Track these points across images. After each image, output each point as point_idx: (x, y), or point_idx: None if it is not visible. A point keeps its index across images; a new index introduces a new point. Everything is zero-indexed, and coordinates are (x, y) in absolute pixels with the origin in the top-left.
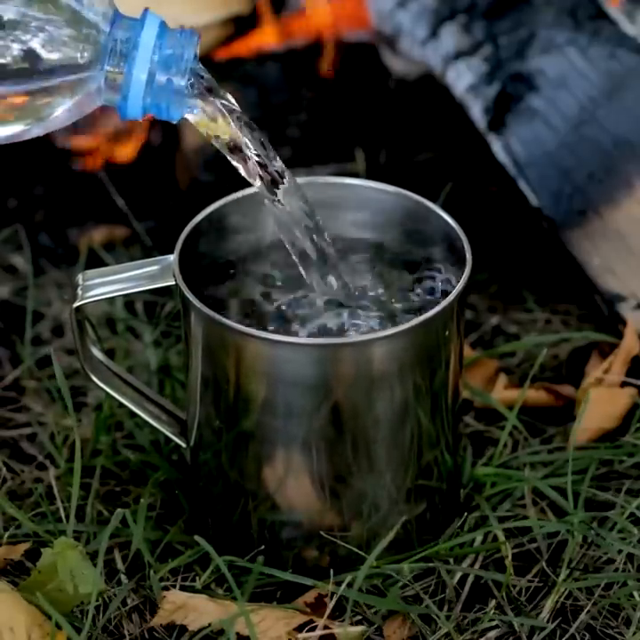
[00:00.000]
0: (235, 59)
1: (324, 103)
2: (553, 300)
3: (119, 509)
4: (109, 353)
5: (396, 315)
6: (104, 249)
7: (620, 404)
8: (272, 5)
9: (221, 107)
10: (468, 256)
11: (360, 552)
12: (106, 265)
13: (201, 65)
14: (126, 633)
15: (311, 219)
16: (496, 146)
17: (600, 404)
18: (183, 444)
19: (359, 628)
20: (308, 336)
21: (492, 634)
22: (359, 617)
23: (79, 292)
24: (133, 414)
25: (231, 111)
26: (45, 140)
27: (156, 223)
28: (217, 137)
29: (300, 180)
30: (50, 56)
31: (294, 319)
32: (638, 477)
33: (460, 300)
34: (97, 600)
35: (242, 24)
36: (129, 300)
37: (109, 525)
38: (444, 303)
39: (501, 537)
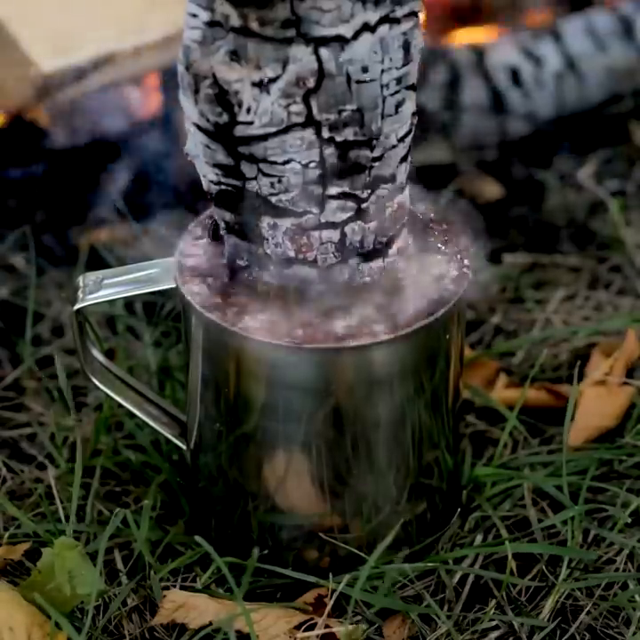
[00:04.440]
0: None
1: None
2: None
3: (119, 510)
4: (109, 353)
5: None
6: (104, 249)
7: (617, 403)
8: None
9: None
10: (469, 258)
11: (360, 553)
12: (106, 265)
13: None
14: (126, 633)
15: None
16: None
17: (598, 403)
18: (183, 446)
19: (359, 627)
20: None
21: (492, 634)
22: (359, 617)
23: (80, 294)
24: (134, 415)
25: None
26: (44, 140)
27: (156, 224)
28: None
29: None
30: None
31: None
32: (638, 477)
33: (461, 302)
34: (97, 600)
35: None
36: (128, 301)
37: (110, 526)
38: (446, 307)
39: (505, 534)
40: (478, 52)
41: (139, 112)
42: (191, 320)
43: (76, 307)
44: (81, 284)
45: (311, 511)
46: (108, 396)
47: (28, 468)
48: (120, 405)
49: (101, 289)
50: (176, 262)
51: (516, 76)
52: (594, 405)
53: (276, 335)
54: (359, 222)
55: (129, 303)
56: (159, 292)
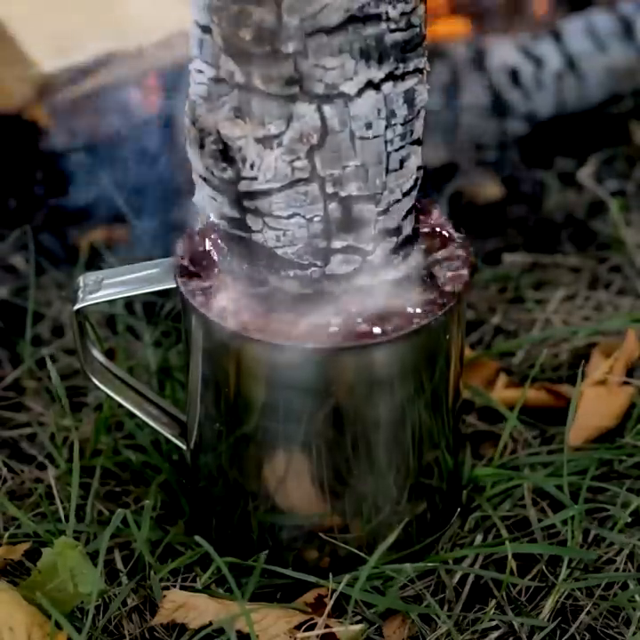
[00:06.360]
0: None
1: None
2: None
3: (120, 510)
4: (109, 353)
5: None
6: (104, 249)
7: (617, 403)
8: None
9: None
10: (469, 258)
11: (360, 553)
12: (106, 265)
13: None
14: (126, 633)
15: None
16: None
17: (598, 403)
18: (183, 446)
19: (359, 627)
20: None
21: (492, 634)
22: (359, 617)
23: (80, 294)
24: (134, 415)
25: None
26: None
27: (156, 224)
28: None
29: None
30: None
31: None
32: (638, 477)
33: (461, 302)
34: (97, 600)
35: None
36: (128, 301)
37: (110, 526)
38: (445, 308)
39: (505, 534)
40: (478, 52)
41: (139, 112)
42: (191, 320)
43: (76, 307)
44: (81, 284)
45: (311, 511)
46: (108, 395)
47: (28, 468)
48: (120, 405)
49: (101, 289)
50: (176, 262)
51: (515, 76)
52: (594, 405)
53: (276, 335)
54: (364, 273)
55: (129, 303)
56: (159, 291)
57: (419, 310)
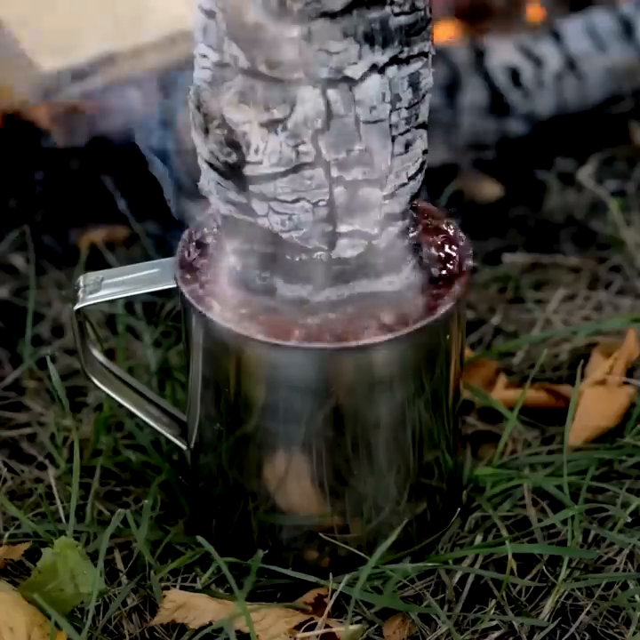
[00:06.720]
0: None
1: None
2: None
3: (120, 510)
4: (109, 353)
5: None
6: (104, 249)
7: (617, 403)
8: None
9: None
10: (469, 258)
11: (360, 553)
12: (106, 265)
13: None
14: (126, 633)
15: None
16: None
17: (597, 403)
18: (183, 446)
19: (359, 626)
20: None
21: (492, 634)
22: (359, 617)
23: (80, 294)
24: (134, 415)
25: None
26: (44, 140)
27: (156, 224)
28: None
29: None
30: None
31: None
32: (638, 477)
33: (461, 302)
34: (97, 600)
35: None
36: (128, 301)
37: (110, 526)
38: (445, 308)
39: (505, 534)
40: (478, 52)
41: (139, 111)
42: (191, 320)
43: (76, 307)
44: (81, 283)
45: (311, 511)
46: (108, 395)
47: (28, 468)
48: (120, 405)
49: (101, 289)
50: (176, 262)
51: (515, 76)
52: (594, 405)
53: (277, 335)
54: (370, 258)
55: (129, 303)
56: (159, 292)
57: (419, 310)
